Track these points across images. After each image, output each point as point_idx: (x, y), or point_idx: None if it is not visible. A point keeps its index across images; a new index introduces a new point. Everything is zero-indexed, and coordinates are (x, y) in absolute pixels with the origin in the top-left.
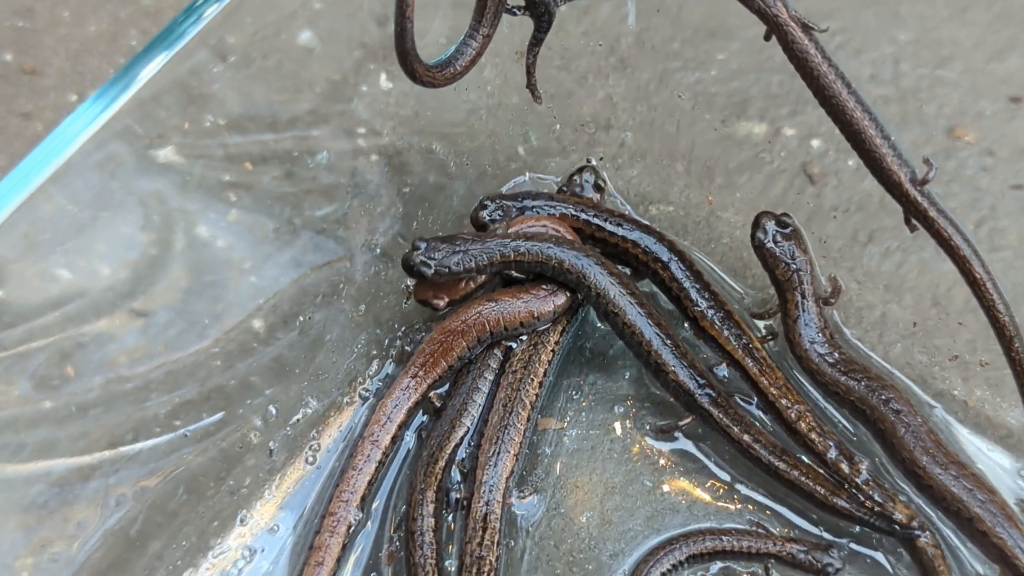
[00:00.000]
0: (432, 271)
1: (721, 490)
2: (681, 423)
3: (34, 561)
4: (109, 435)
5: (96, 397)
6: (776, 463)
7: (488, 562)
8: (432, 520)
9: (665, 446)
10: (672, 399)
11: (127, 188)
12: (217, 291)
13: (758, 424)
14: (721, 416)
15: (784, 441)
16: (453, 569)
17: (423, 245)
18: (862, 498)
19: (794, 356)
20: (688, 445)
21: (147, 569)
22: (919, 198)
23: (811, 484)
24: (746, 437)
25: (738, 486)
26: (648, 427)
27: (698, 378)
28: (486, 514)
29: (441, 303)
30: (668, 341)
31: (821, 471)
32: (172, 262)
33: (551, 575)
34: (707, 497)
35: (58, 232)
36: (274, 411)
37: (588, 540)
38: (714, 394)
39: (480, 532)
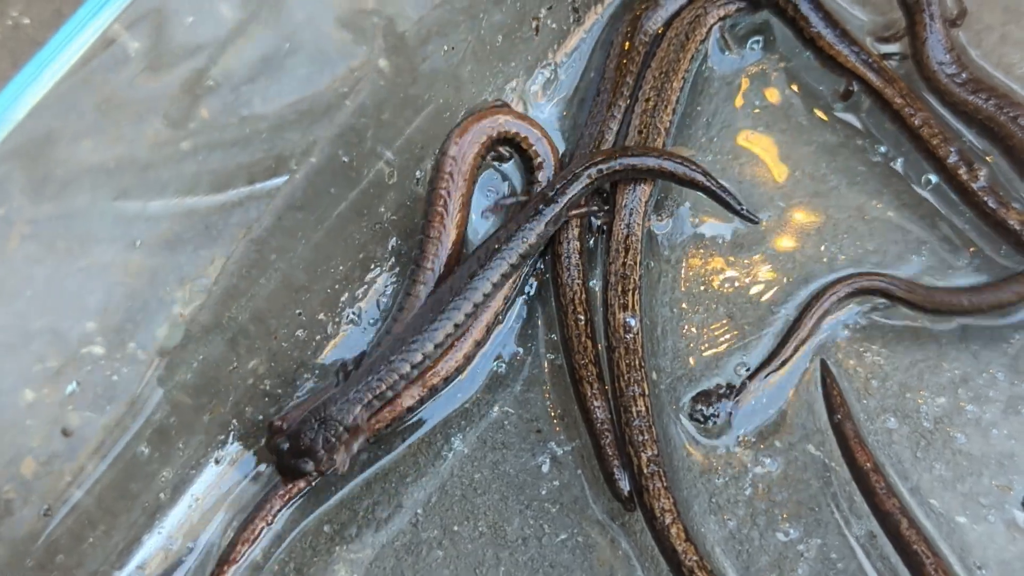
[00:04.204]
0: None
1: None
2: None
3: (184, 294)
4: (247, 172)
5: (232, 137)
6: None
7: (632, 280)
8: (577, 243)
9: (787, 167)
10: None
11: None
12: (341, 32)
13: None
14: None
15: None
16: (598, 288)
17: (285, 445)
18: (978, 203)
19: (922, 78)
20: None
21: (301, 293)
22: None
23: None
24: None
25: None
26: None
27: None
28: (627, 236)
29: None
30: None
31: None
32: (293, 5)
33: (689, 295)
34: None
35: None
36: (410, 147)
37: (723, 259)
38: None
39: (623, 253)
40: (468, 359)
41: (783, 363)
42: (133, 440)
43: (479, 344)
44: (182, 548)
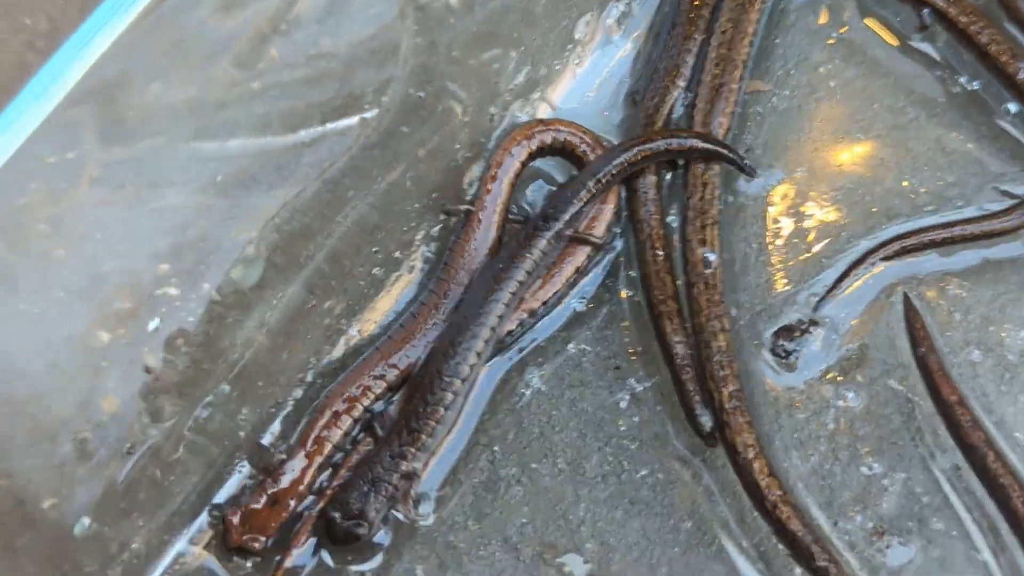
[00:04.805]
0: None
1: None
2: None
3: (258, 234)
4: (319, 112)
5: (303, 76)
6: None
7: (710, 215)
8: (654, 178)
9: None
10: None
11: None
12: None
13: None
14: None
15: None
16: (676, 224)
17: (337, 513)
18: None
19: (1001, 7)
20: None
21: (376, 232)
22: None
23: None
24: None
25: None
26: None
27: None
28: (705, 170)
29: (258, 544)
30: None
31: None
32: None
33: (768, 230)
34: None
35: None
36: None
37: (802, 193)
38: None
39: (701, 187)
40: (569, 286)
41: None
42: (212, 380)
43: (580, 272)
44: None
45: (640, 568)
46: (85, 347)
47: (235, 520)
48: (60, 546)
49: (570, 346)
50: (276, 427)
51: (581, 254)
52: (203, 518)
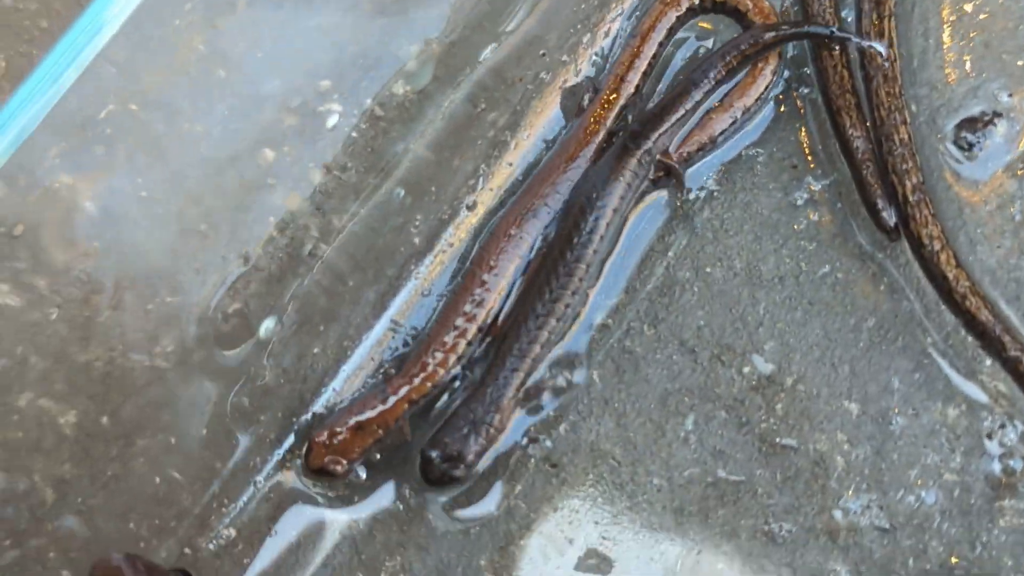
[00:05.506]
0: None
1: None
2: None
3: (418, 49)
4: None
5: None
6: None
7: (887, 6)
8: None
9: None
10: None
11: None
12: None
13: None
14: None
15: None
16: (851, 18)
17: (435, 453)
18: None
19: None
20: None
21: (537, 42)
22: None
23: None
24: None
25: None
26: None
27: None
28: None
29: (340, 467)
30: None
31: None
32: None
33: (945, 24)
34: None
35: None
36: None
37: None
38: None
39: None
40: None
41: None
42: (383, 189)
43: (775, 74)
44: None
45: (822, 367)
46: (251, 165)
47: (320, 440)
48: (238, 357)
49: (741, 148)
50: (449, 233)
51: (772, 64)
52: (380, 328)
